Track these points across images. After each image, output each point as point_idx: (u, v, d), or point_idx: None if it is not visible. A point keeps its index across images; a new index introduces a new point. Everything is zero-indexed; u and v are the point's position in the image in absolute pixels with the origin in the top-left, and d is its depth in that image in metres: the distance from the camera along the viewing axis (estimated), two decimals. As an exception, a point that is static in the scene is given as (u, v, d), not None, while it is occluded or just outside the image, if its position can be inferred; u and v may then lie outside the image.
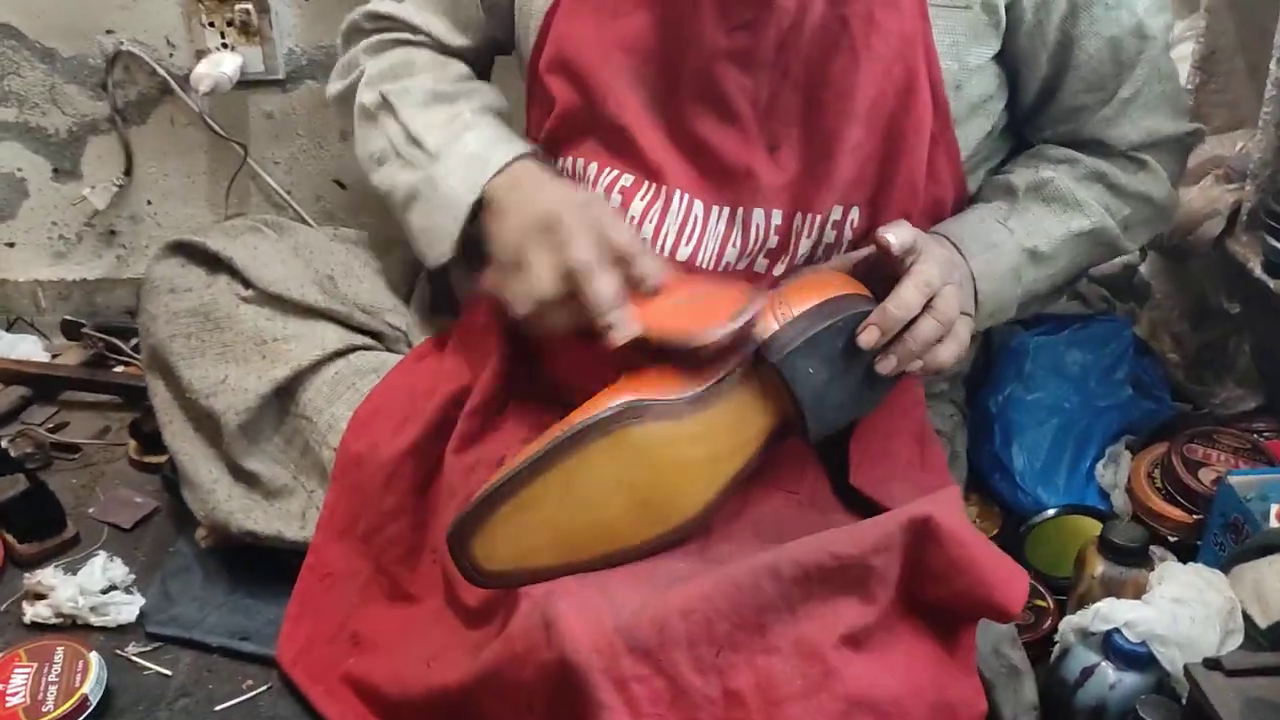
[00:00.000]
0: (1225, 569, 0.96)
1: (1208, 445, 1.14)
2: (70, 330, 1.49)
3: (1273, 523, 0.97)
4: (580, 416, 0.81)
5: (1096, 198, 1.02)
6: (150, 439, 1.25)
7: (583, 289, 0.84)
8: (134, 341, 1.38)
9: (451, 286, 1.19)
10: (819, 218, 0.93)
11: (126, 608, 1.08)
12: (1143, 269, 1.37)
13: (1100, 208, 1.01)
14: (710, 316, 0.83)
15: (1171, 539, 1.11)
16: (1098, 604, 0.92)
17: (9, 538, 1.16)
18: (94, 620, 1.07)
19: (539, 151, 0.99)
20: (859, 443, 0.93)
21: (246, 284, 1.09)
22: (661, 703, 0.74)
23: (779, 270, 0.94)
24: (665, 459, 0.83)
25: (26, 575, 1.10)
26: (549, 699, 0.77)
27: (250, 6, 1.38)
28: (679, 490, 0.85)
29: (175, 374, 1.08)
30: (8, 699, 0.96)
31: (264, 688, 1.01)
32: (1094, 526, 1.10)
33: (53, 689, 0.97)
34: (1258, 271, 1.10)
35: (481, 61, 1.13)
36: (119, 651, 1.05)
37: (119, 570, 1.12)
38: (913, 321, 0.83)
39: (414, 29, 1.09)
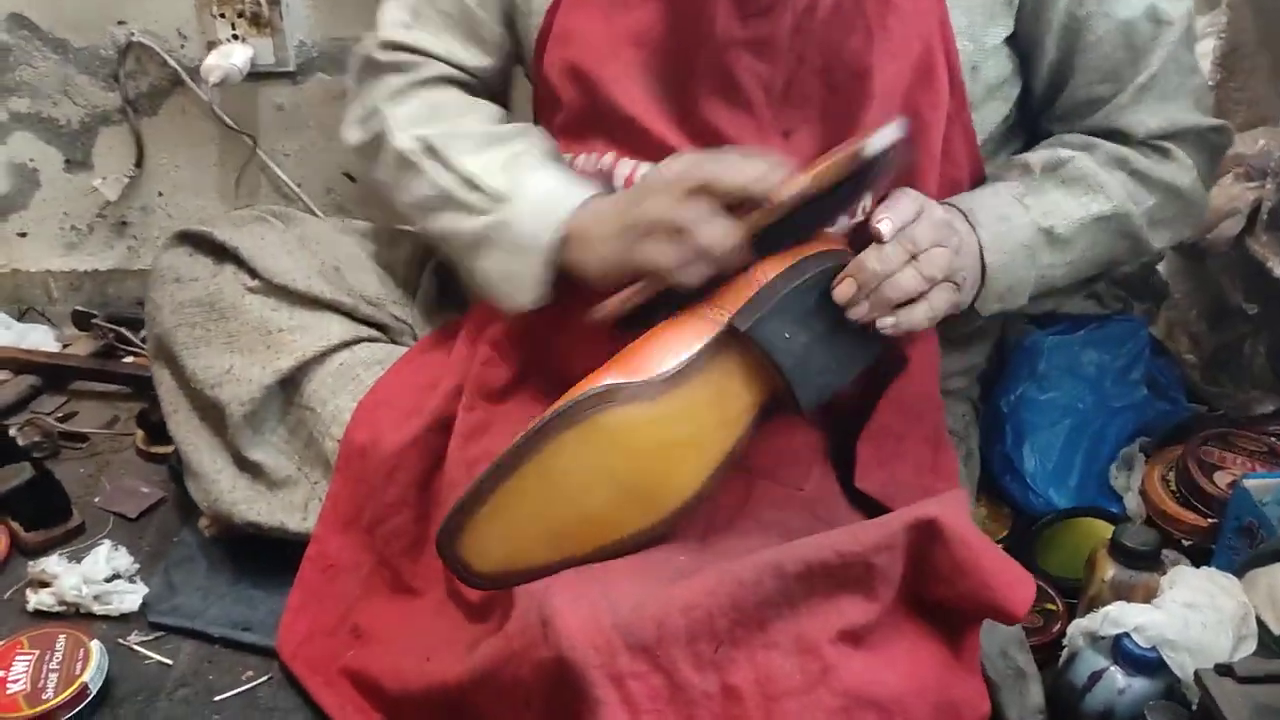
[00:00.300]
0: (1239, 574, 0.95)
1: (1223, 448, 1.13)
2: (81, 320, 1.50)
3: (1288, 527, 0.96)
4: (553, 407, 0.80)
5: (1119, 183, 0.98)
6: (157, 429, 1.25)
7: (721, 184, 0.81)
8: (143, 332, 1.38)
9: (457, 279, 1.18)
10: None
11: (129, 597, 1.08)
12: (1160, 268, 1.35)
13: (1124, 193, 0.97)
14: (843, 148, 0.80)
15: (1185, 543, 1.09)
16: (1107, 608, 0.90)
17: (15, 526, 1.16)
18: (97, 609, 1.07)
19: (611, 191, 0.94)
20: (869, 442, 0.92)
21: (253, 274, 1.09)
22: (659, 699, 0.73)
23: None
24: (643, 442, 0.81)
25: (31, 563, 1.11)
26: (546, 696, 0.76)
27: (262, -2, 1.38)
28: (665, 474, 0.83)
29: (180, 364, 1.08)
30: (9, 686, 0.96)
31: (264, 679, 1.01)
32: (1106, 529, 1.09)
33: (53, 677, 0.97)
34: (1277, 271, 1.08)
35: (500, 79, 1.08)
36: (121, 640, 1.05)
37: (123, 559, 1.12)
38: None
39: (431, 57, 1.04)
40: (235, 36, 1.40)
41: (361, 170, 1.07)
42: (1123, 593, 0.96)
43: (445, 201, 0.98)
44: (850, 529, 0.78)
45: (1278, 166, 1.09)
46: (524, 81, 1.06)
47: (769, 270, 0.83)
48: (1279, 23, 1.14)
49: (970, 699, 0.79)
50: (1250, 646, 0.89)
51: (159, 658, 1.03)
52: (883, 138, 0.79)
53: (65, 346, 1.49)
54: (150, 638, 1.05)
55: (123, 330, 1.45)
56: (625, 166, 0.93)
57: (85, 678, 0.97)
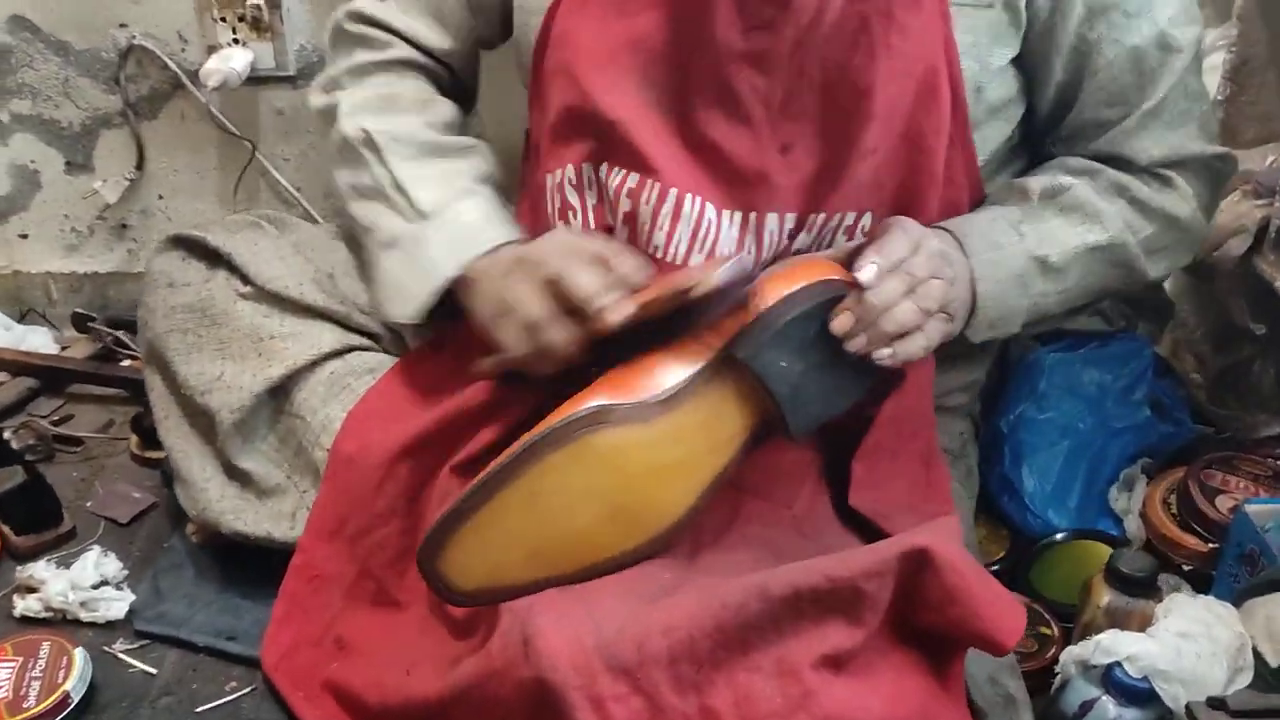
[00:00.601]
0: (1237, 603, 0.93)
1: (1227, 471, 1.11)
2: (80, 323, 1.50)
3: (1289, 556, 0.94)
4: (544, 425, 0.79)
5: (1118, 212, 0.97)
6: (152, 433, 1.24)
7: (567, 288, 0.83)
8: (142, 336, 1.39)
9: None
10: (832, 221, 0.91)
11: (116, 604, 1.07)
12: (1166, 286, 1.33)
13: (1120, 222, 0.97)
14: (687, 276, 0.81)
15: (1186, 568, 1.07)
16: (1100, 636, 0.89)
17: (5, 530, 1.16)
18: (83, 616, 1.06)
19: (526, 238, 0.97)
20: (863, 460, 0.91)
21: (245, 280, 1.08)
22: (639, 721, 0.72)
23: None
24: (633, 465, 0.81)
25: (19, 568, 1.10)
26: (526, 716, 0.75)
27: (261, 2, 1.37)
28: (655, 496, 0.82)
29: (171, 369, 1.08)
30: (-9, 693, 0.95)
31: (247, 689, 1.00)
32: (1105, 552, 1.06)
33: (36, 684, 0.96)
34: (1285, 291, 1.07)
35: (468, 64, 1.11)
36: (106, 648, 1.04)
37: (112, 565, 1.11)
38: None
39: (396, 34, 1.06)
40: (236, 40, 1.40)
41: (320, 132, 1.11)
42: (1118, 619, 0.95)
43: (376, 194, 1.01)
44: (841, 555, 0.77)
45: (1287, 184, 1.07)
46: (495, 71, 1.08)
47: (767, 296, 0.83)
48: (1291, 37, 1.13)
49: (954, 727, 0.78)
50: (1246, 679, 0.87)
51: (143, 666, 1.03)
52: (718, 277, 0.78)
53: (64, 349, 1.49)
54: (135, 645, 1.05)
55: (120, 334, 1.45)
56: (615, 178, 0.92)
57: (67, 686, 0.96)
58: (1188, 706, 0.77)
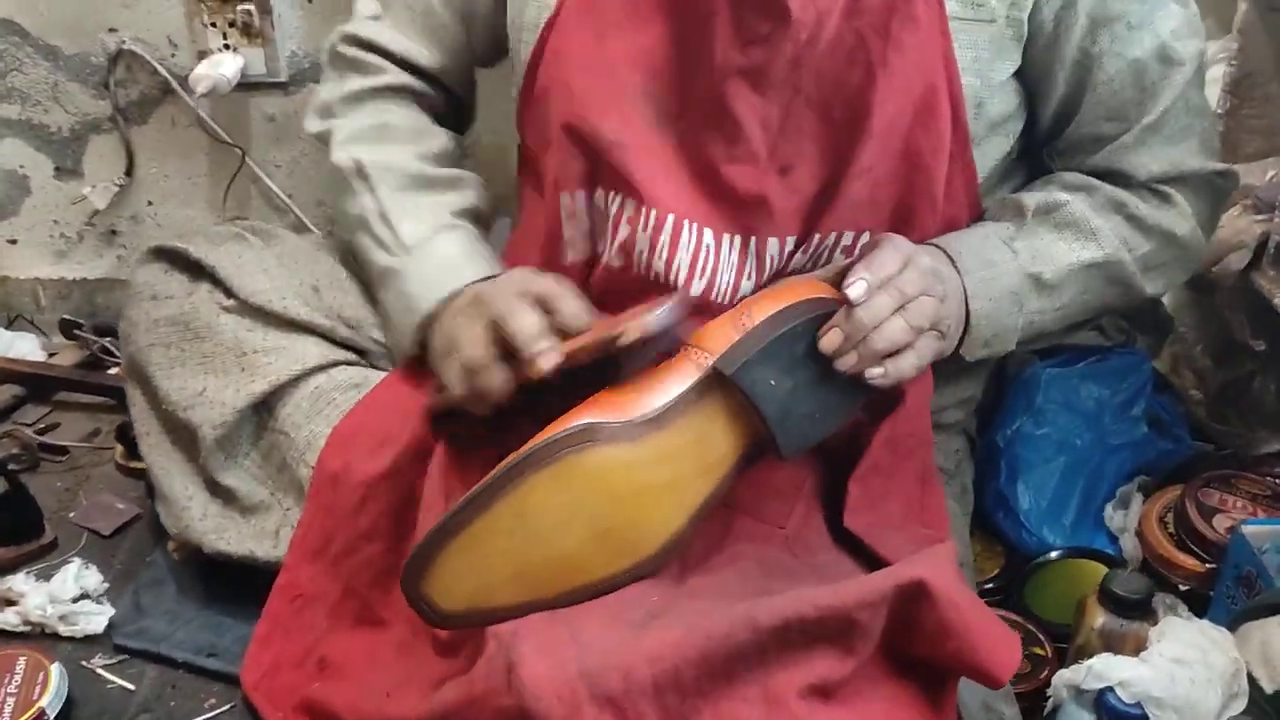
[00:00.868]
0: (1232, 627, 0.91)
1: (1225, 490, 1.09)
2: (68, 330, 1.49)
3: (1286, 579, 0.92)
4: (530, 444, 0.78)
5: (1114, 228, 0.96)
6: (137, 444, 1.23)
7: (506, 330, 0.83)
8: (130, 344, 1.37)
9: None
10: (828, 240, 0.90)
11: (95, 618, 1.06)
12: (1165, 300, 1.31)
13: (1116, 239, 0.96)
14: (612, 324, 0.81)
15: (1183, 588, 1.05)
16: (1092, 660, 0.88)
17: (-15, 541, 1.15)
18: (62, 630, 1.05)
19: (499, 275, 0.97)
20: (860, 481, 0.89)
21: (228, 293, 1.07)
22: (623, 752, 0.71)
23: None
24: (621, 485, 0.79)
25: (-2, 581, 1.09)
26: (508, 746, 0.73)
27: (252, 8, 1.36)
28: (642, 517, 0.81)
29: (153, 384, 1.06)
30: (-35, 710, 0.94)
31: (226, 707, 0.98)
32: (1100, 572, 1.06)
33: (11, 701, 0.95)
34: (1284, 308, 1.05)
35: (464, 82, 1.11)
36: (84, 663, 1.03)
37: (92, 579, 1.10)
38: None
39: (391, 58, 1.06)
40: (226, 46, 1.39)
41: (319, 151, 1.12)
42: (1112, 642, 0.94)
43: (364, 226, 1.02)
44: (834, 586, 0.75)
45: (1287, 199, 1.06)
46: (489, 80, 1.08)
47: (756, 314, 0.82)
48: (1293, 50, 1.11)
49: (946, 756, 0.77)
50: (1240, 705, 0.86)
51: (121, 682, 1.01)
52: (643, 327, 0.78)
53: (51, 356, 1.48)
54: (114, 661, 1.03)
55: (108, 341, 1.44)
56: (614, 203, 0.91)
57: (43, 703, 0.95)
58: (1181, 736, 0.76)
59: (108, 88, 1.43)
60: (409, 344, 0.98)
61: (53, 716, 0.95)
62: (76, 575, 1.09)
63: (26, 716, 0.94)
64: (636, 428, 0.79)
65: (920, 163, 0.88)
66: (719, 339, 0.82)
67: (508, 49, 1.03)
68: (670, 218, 0.89)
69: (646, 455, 0.79)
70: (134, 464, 1.26)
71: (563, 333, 0.83)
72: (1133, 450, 1.17)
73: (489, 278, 0.95)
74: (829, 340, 0.80)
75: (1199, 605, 1.03)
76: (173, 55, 1.42)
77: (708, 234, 0.89)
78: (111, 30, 1.41)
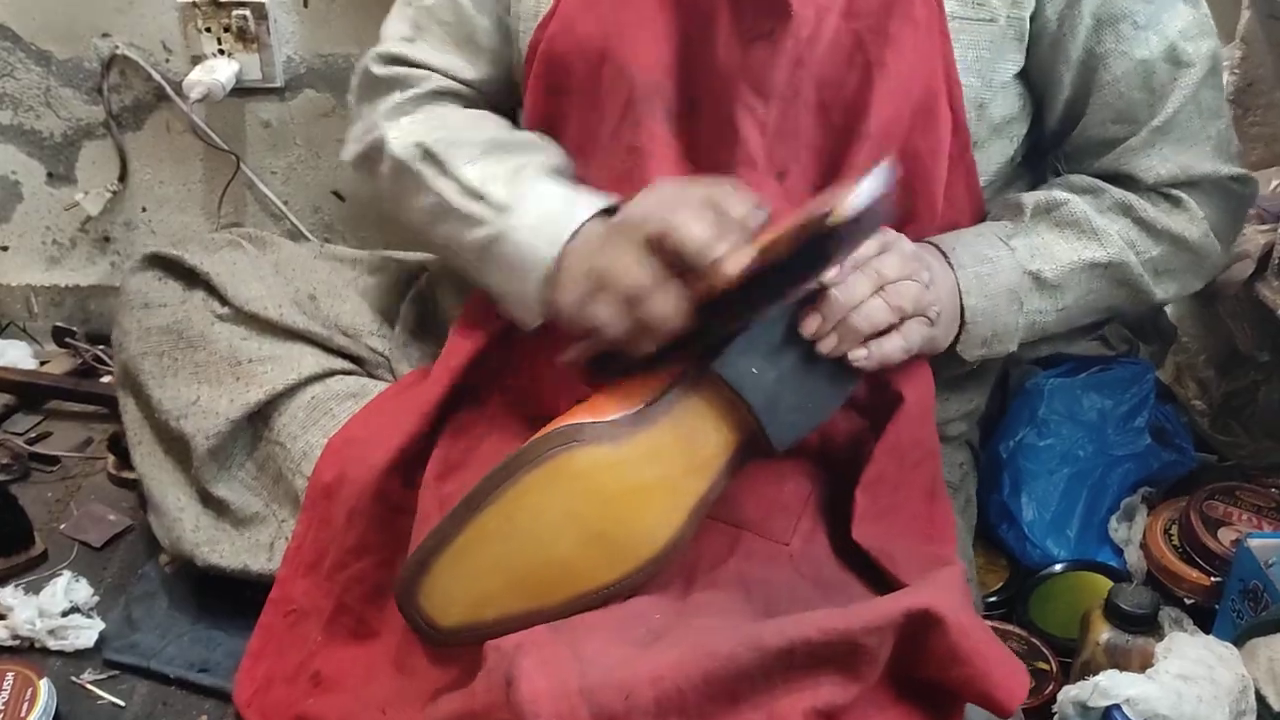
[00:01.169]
0: (1239, 642, 0.90)
1: (1229, 502, 1.08)
2: (60, 337, 1.48)
3: (1294, 594, 0.91)
4: (517, 449, 0.78)
5: (1120, 231, 0.94)
6: (130, 454, 1.22)
7: (675, 242, 0.76)
8: (123, 352, 1.36)
9: (438, 309, 1.14)
10: None
11: (85, 632, 1.04)
12: (1169, 310, 1.30)
13: (1122, 241, 0.93)
14: (815, 205, 0.72)
15: (1188, 601, 1.04)
16: (1098, 677, 0.86)
17: (-26, 553, 1.13)
18: (51, 644, 1.03)
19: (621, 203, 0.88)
20: (867, 491, 0.88)
21: (223, 301, 1.06)
22: (622, 771, 0.70)
23: None
24: (609, 485, 0.78)
25: (-14, 594, 1.08)
26: (505, 761, 0.72)
27: (248, 13, 1.35)
28: (635, 520, 0.80)
29: (146, 393, 1.05)
30: (-47, 727, 0.93)
31: (218, 723, 0.97)
32: (1105, 585, 1.05)
33: (-1, 717, 0.94)
34: (1289, 318, 1.04)
35: (506, 91, 1.03)
36: (74, 678, 1.01)
37: (83, 592, 1.08)
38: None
39: (430, 69, 1.00)
40: (221, 51, 1.38)
41: (362, 187, 1.04)
42: (1117, 657, 0.93)
43: (445, 212, 0.93)
44: (842, 610, 0.74)
45: (1292, 210, 1.05)
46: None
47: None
48: (1296, 58, 1.10)
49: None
50: (1249, 724, 0.84)
51: (111, 698, 1.00)
52: (857, 198, 0.70)
53: (43, 364, 1.47)
54: (104, 676, 1.02)
55: (100, 349, 1.43)
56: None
57: (32, 719, 0.93)
58: (1189, 755, 0.74)
59: (101, 93, 1.42)
60: (536, 306, 0.88)
61: (41, 732, 0.94)
62: (66, 588, 1.07)
63: (15, 733, 0.92)
64: (622, 426, 0.78)
65: (919, 165, 0.87)
66: None
67: None
68: None
69: (634, 454, 0.78)
70: (126, 474, 1.25)
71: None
72: (1136, 461, 1.16)
73: (606, 211, 0.86)
74: (809, 323, 0.79)
75: (1204, 619, 1.02)
76: (167, 61, 1.40)
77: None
78: (105, 35, 1.39)
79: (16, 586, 1.09)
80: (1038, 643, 1.04)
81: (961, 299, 0.89)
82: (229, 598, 1.05)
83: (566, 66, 0.91)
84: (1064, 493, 1.13)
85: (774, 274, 0.74)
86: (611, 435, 0.78)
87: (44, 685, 0.96)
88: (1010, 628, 1.06)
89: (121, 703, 0.99)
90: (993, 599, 1.11)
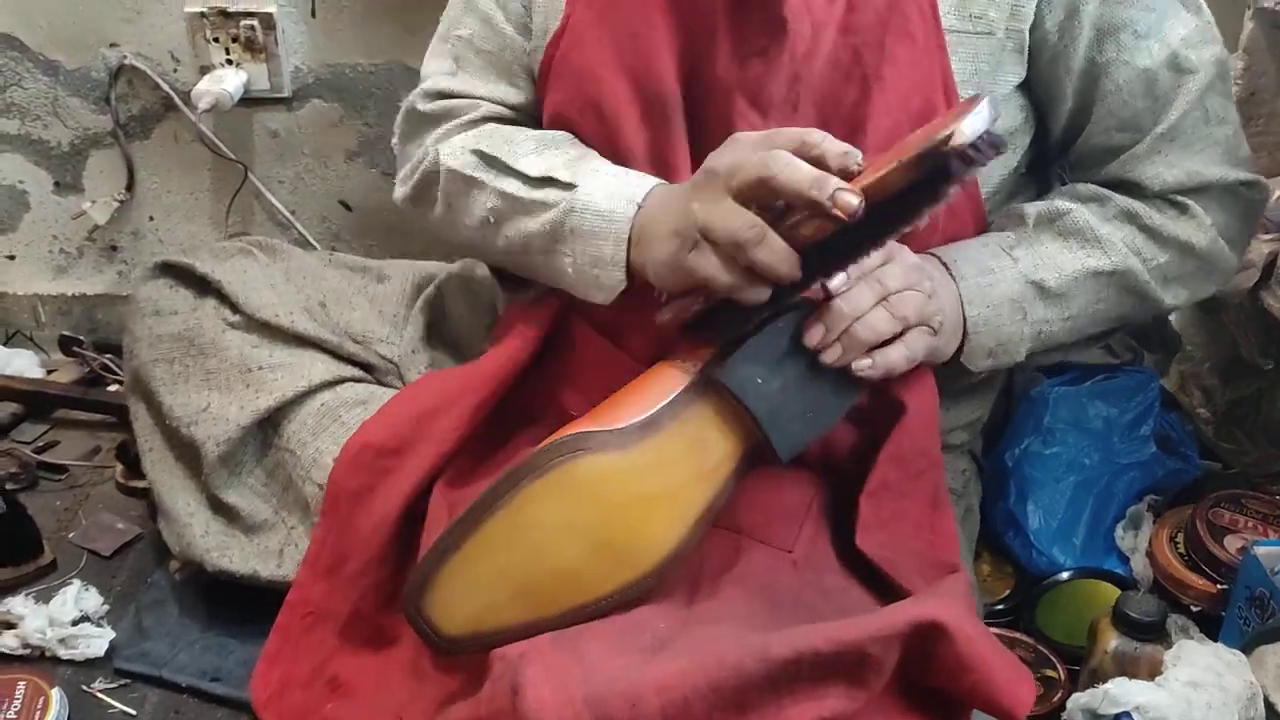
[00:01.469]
0: (1247, 650, 0.90)
1: (1235, 510, 1.08)
2: (68, 346, 1.48)
3: (1302, 602, 0.92)
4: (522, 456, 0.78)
5: (1125, 238, 0.94)
6: (137, 462, 1.21)
7: (781, 183, 0.73)
8: (131, 361, 1.36)
9: (447, 318, 1.15)
10: None
11: (96, 641, 1.05)
12: (1173, 318, 1.31)
13: (1127, 249, 0.93)
14: (925, 135, 0.70)
15: (1195, 609, 1.05)
16: (1108, 684, 0.87)
17: (-17, 562, 1.13)
18: (61, 653, 1.04)
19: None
20: (871, 499, 0.88)
21: (234, 309, 1.06)
22: (629, 779, 0.70)
23: None
24: (615, 493, 0.79)
25: (-4, 603, 1.08)
26: (511, 768, 0.72)
27: (256, 23, 1.36)
28: (640, 528, 0.80)
29: (156, 400, 1.06)
30: (-36, 735, 0.93)
31: (231, 732, 0.98)
32: (1111, 593, 1.05)
33: (11, 726, 0.94)
34: (1293, 327, 1.05)
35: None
36: (85, 687, 1.02)
37: (92, 600, 1.09)
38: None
39: (476, 98, 1.00)
40: (229, 61, 1.38)
41: (418, 219, 1.03)
42: (1126, 665, 0.93)
43: (512, 207, 0.92)
44: (849, 621, 0.75)
45: (1296, 219, 1.06)
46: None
47: None
48: (1299, 68, 1.11)
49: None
50: (1258, 730, 0.85)
51: (123, 707, 1.00)
52: (977, 120, 0.67)
53: (50, 373, 1.47)
54: (115, 685, 1.02)
55: (108, 358, 1.43)
56: None
57: (43, 728, 0.94)
58: (1200, 762, 0.75)
59: (109, 103, 1.42)
60: (618, 271, 0.86)
61: (53, 741, 0.94)
62: (76, 597, 1.08)
63: (27, 742, 0.93)
64: (628, 435, 0.79)
65: None
66: (704, 346, 0.82)
67: None
68: None
69: (640, 462, 0.79)
70: (135, 483, 1.25)
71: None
72: (1142, 469, 1.16)
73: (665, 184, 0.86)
74: (812, 334, 0.79)
75: (1210, 626, 1.02)
76: (175, 70, 1.41)
77: None
78: (113, 45, 1.40)
79: (26, 596, 1.09)
80: (1045, 650, 1.04)
81: (964, 309, 0.89)
82: (239, 605, 1.05)
83: (579, 81, 0.91)
84: (1070, 501, 1.13)
85: (886, 208, 0.72)
86: (617, 444, 0.78)
87: (55, 694, 0.97)
88: (1017, 635, 1.06)
89: (133, 711, 1.00)
90: (999, 606, 1.11)
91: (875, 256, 0.81)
